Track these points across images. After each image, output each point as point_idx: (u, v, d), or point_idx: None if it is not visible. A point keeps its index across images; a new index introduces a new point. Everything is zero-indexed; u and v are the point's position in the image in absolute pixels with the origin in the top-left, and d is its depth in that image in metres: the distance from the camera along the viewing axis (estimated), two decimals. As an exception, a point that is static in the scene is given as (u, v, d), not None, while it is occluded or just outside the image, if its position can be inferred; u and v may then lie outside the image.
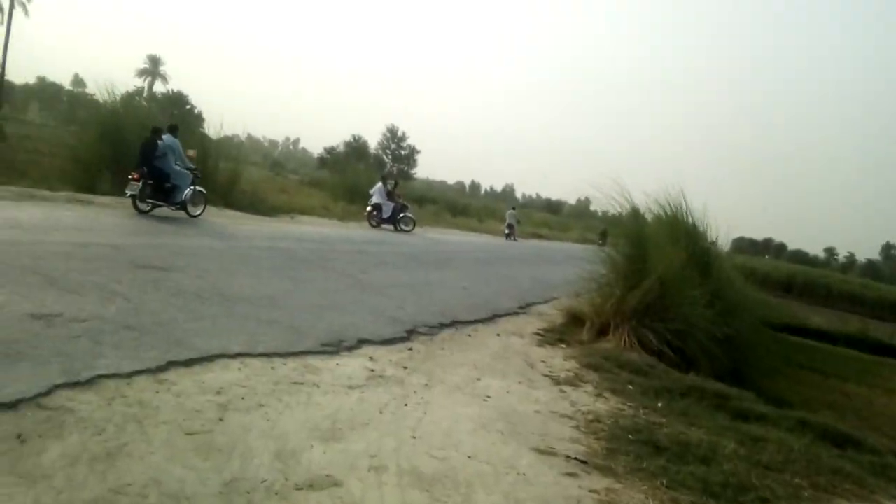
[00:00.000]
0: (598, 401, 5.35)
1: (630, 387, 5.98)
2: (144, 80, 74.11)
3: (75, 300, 5.03)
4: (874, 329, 22.12)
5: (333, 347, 5.36)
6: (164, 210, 12.30)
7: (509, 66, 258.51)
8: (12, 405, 3.11)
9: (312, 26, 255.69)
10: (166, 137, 12.53)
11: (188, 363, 4.20)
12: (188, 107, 50.66)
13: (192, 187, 12.68)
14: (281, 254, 10.18)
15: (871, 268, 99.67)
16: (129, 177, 11.75)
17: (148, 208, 12.13)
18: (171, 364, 4.10)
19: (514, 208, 34.19)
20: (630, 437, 4.41)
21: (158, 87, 71.00)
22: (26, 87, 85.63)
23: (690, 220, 9.71)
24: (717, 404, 5.91)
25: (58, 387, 3.40)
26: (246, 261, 8.71)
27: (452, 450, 3.65)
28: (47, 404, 3.20)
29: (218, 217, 14.19)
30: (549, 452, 3.89)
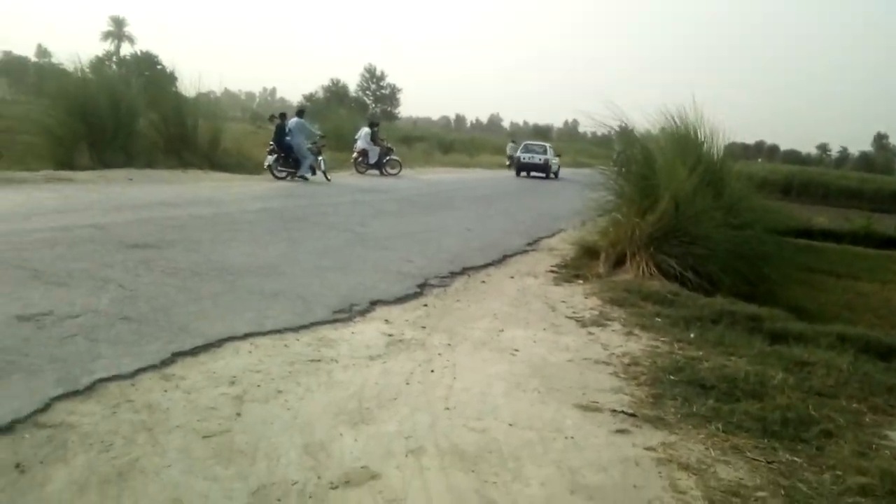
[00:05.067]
0: (629, 340, 5.08)
1: (658, 319, 5.71)
2: (110, 42, 71.29)
3: (65, 293, 4.67)
4: (878, 222, 21.87)
5: (346, 314, 5.05)
6: (140, 181, 11.83)
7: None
8: (7, 428, 2.79)
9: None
10: (292, 120, 15.53)
11: (195, 352, 3.88)
12: (159, 67, 48.81)
13: (319, 157, 15.89)
14: (274, 214, 9.77)
15: (864, 160, 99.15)
16: (267, 151, 15.26)
17: (283, 176, 15.14)
18: (177, 355, 3.78)
19: (513, 141, 36.52)
20: (672, 377, 4.15)
21: (126, 50, 68.41)
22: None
23: (695, 132, 9.15)
24: (751, 328, 5.64)
25: (55, 399, 3.08)
26: (239, 226, 8.31)
27: (491, 418, 3.38)
28: (46, 422, 2.89)
29: (205, 181, 13.69)
30: (592, 408, 3.62)
